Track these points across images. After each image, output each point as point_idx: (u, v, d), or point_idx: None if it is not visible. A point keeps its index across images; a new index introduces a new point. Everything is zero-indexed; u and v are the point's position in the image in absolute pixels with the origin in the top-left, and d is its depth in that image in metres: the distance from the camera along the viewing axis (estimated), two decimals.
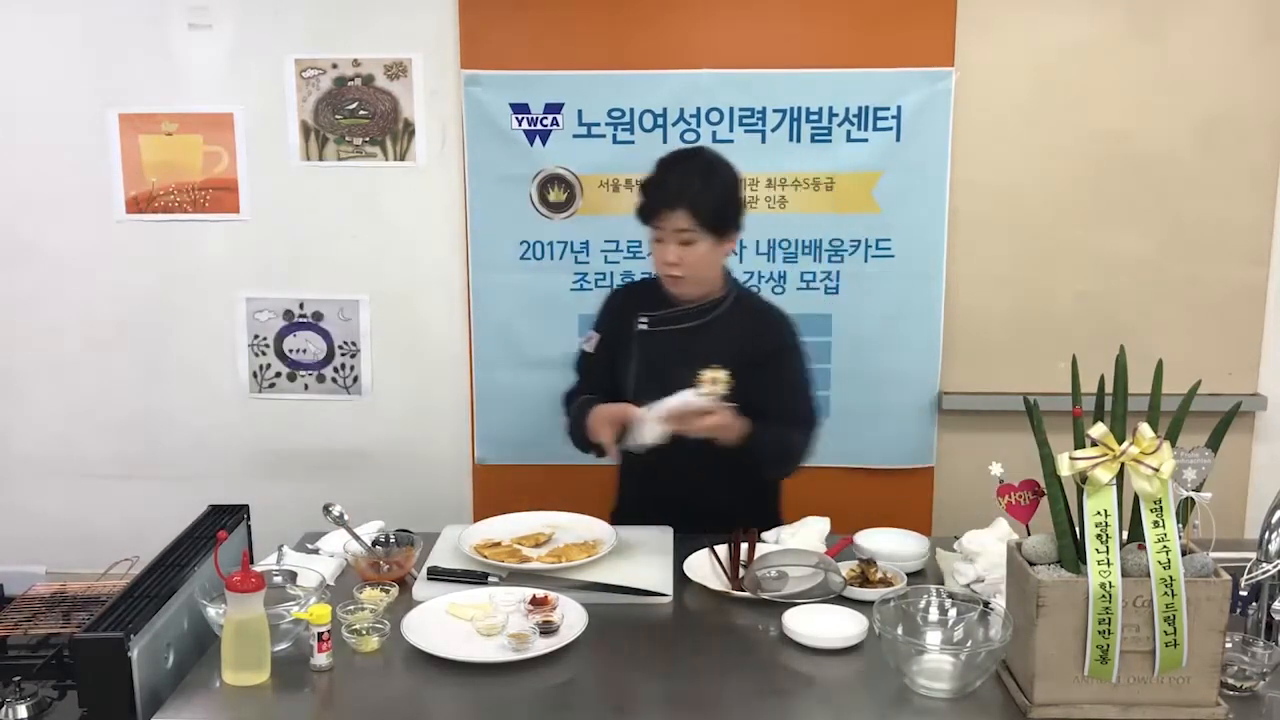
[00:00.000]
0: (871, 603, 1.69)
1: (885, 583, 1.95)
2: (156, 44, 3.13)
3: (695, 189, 2.19)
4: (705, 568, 2.05)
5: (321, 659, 1.67)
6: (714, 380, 2.15)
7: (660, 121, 3.08)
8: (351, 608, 1.81)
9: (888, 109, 3.05)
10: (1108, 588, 1.48)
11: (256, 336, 3.29)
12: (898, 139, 3.06)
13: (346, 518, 2.09)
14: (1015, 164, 3.10)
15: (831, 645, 1.74)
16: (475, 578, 1.98)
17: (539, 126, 3.10)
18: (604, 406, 2.21)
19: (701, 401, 2.09)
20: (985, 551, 1.94)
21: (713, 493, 2.25)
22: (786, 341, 2.36)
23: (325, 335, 3.28)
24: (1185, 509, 1.56)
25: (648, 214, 2.23)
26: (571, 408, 2.35)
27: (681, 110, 3.07)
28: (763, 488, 2.42)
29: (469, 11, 3.07)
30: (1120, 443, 1.52)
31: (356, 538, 2.05)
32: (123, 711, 1.56)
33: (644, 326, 2.31)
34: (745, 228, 2.30)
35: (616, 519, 2.33)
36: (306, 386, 3.31)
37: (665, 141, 3.08)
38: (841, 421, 3.23)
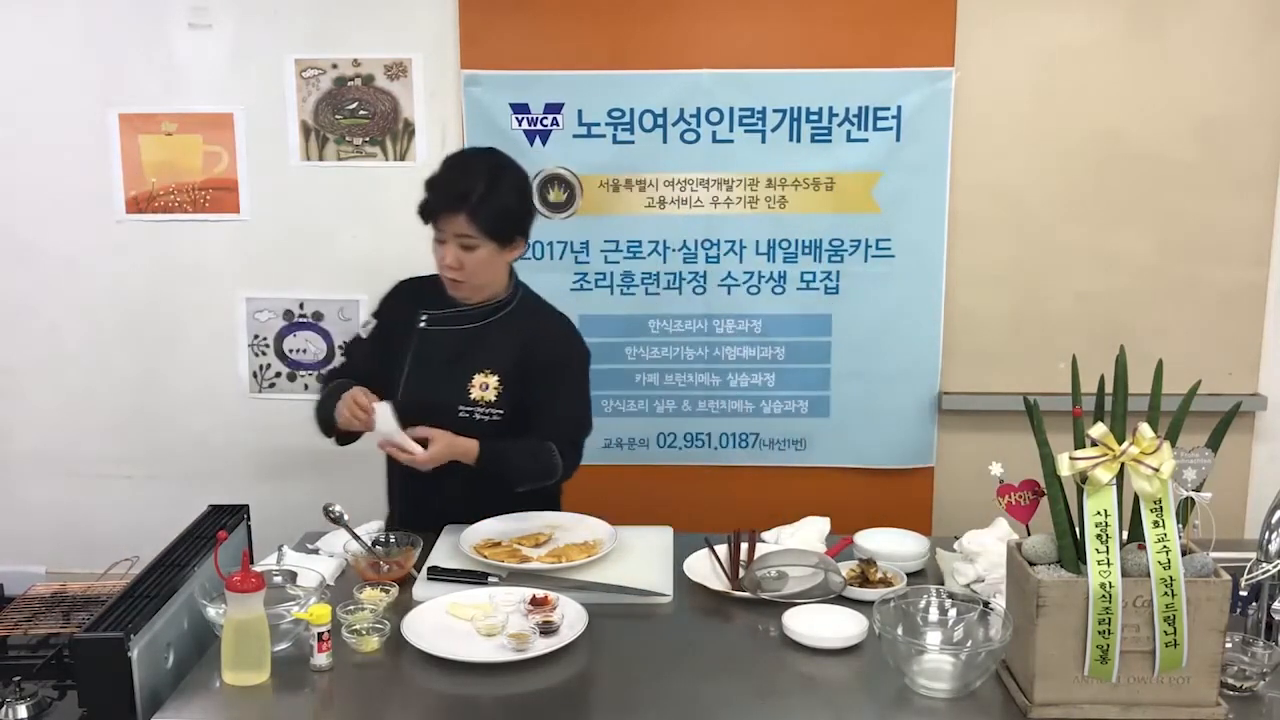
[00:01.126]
0: (871, 603, 1.69)
1: (885, 583, 1.95)
2: (156, 44, 3.13)
3: (478, 194, 2.12)
4: (705, 568, 2.05)
5: (321, 659, 1.67)
6: (484, 385, 2.20)
7: (660, 121, 3.09)
8: (351, 608, 1.81)
9: (888, 109, 3.05)
10: (1108, 588, 1.48)
11: (256, 336, 3.29)
12: (898, 139, 3.06)
13: (346, 518, 2.09)
14: (1015, 164, 3.10)
15: (831, 645, 1.74)
16: (475, 578, 1.98)
17: (539, 126, 3.10)
18: (357, 390, 2.13)
19: (402, 443, 2.08)
20: (985, 551, 1.94)
21: (485, 498, 2.22)
22: (564, 353, 2.32)
23: (325, 335, 3.28)
24: (1185, 509, 1.56)
25: (428, 214, 2.17)
26: (326, 388, 2.27)
27: (681, 110, 3.08)
28: (537, 491, 2.32)
29: (469, 11, 3.07)
30: (1120, 443, 1.52)
31: (356, 538, 2.05)
32: (123, 711, 1.56)
33: (424, 324, 2.27)
34: (532, 234, 2.26)
35: (393, 523, 2.32)
36: (306, 386, 3.30)
37: (665, 142, 3.09)
38: (841, 421, 3.24)
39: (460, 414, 2.22)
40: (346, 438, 2.24)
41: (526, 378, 2.24)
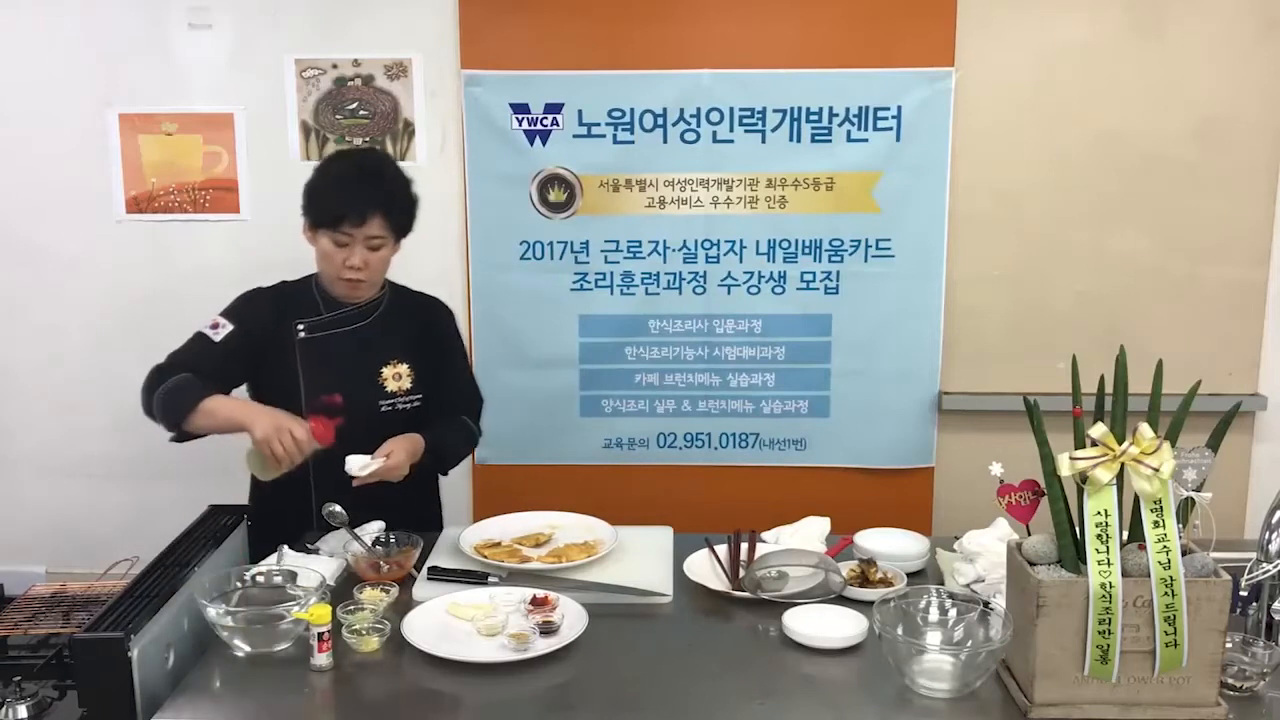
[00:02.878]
0: (871, 603, 1.69)
1: (885, 583, 1.95)
2: (156, 44, 3.13)
3: (391, 194, 2.16)
4: (705, 568, 2.05)
5: (321, 659, 1.67)
6: (396, 375, 2.24)
7: (660, 121, 3.09)
8: (351, 608, 1.80)
9: (888, 109, 3.05)
10: (1108, 588, 1.48)
11: None
12: (898, 139, 3.06)
13: (346, 518, 2.09)
14: (1015, 164, 3.10)
15: (831, 645, 1.74)
16: (475, 578, 1.98)
17: (539, 126, 3.10)
18: (295, 425, 2.02)
19: (381, 472, 2.08)
20: (985, 551, 1.94)
21: (376, 503, 2.15)
22: (451, 328, 2.40)
23: None
24: (1185, 509, 1.56)
25: (337, 219, 2.13)
26: (168, 381, 2.12)
27: (681, 110, 3.08)
28: (426, 479, 2.40)
29: (469, 11, 3.07)
30: (1120, 443, 1.52)
31: (357, 538, 2.05)
32: (123, 711, 1.56)
33: (303, 333, 2.22)
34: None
35: (257, 524, 2.21)
36: None
37: (665, 142, 3.09)
38: (841, 421, 3.24)
39: (383, 409, 2.25)
40: (189, 437, 2.16)
41: (430, 358, 2.31)
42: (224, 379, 2.20)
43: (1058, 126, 3.07)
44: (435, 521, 2.45)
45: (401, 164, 3.10)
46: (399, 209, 2.18)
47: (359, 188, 2.16)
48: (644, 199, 3.14)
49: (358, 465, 2.07)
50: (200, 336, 2.23)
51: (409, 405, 2.28)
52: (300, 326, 2.23)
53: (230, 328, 2.21)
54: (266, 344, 2.22)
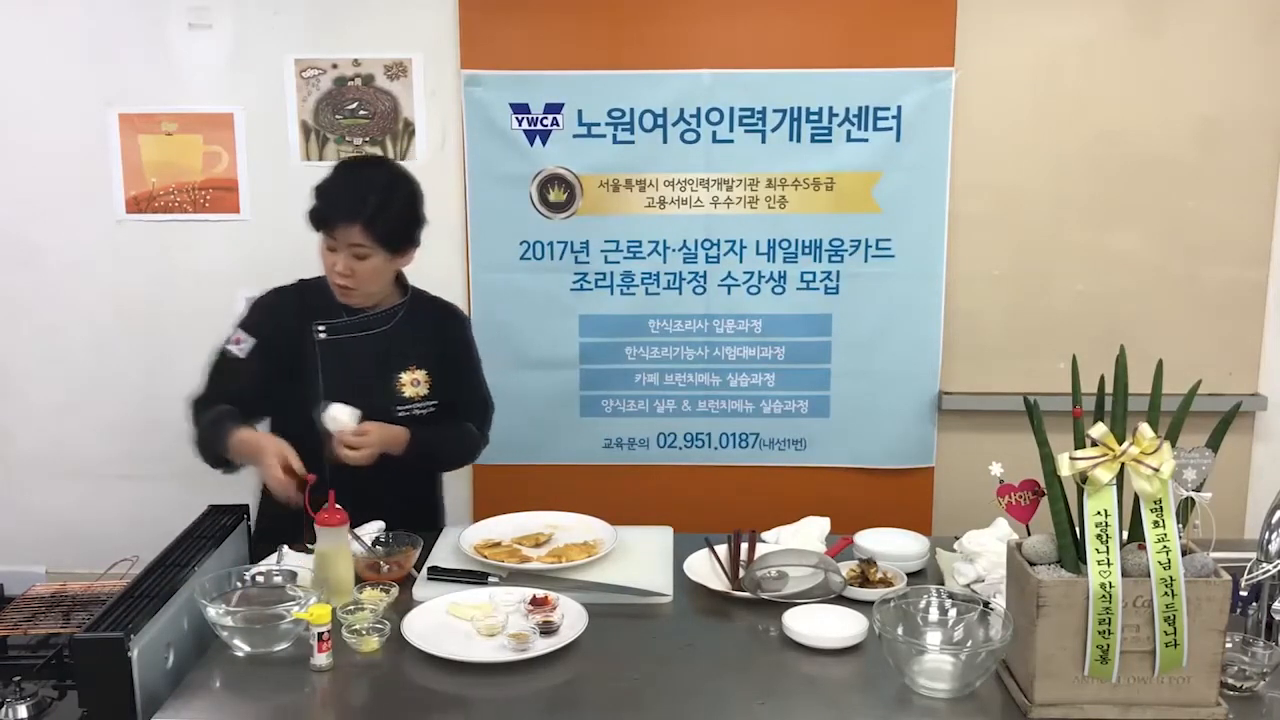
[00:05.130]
0: (871, 603, 1.69)
1: (885, 583, 1.95)
2: (156, 44, 3.13)
3: (373, 205, 2.13)
4: (705, 568, 2.05)
5: (321, 659, 1.67)
6: (415, 381, 2.27)
7: (660, 121, 3.09)
8: (351, 608, 1.81)
9: (888, 109, 3.05)
10: (1108, 588, 1.48)
11: None
12: (898, 139, 3.06)
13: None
14: (1015, 164, 3.10)
15: (831, 645, 1.74)
16: (475, 578, 1.98)
17: (539, 126, 3.10)
18: (267, 439, 2.08)
19: (352, 440, 2.09)
20: (985, 551, 1.94)
21: (373, 494, 2.15)
22: (468, 338, 2.44)
23: None
24: (1185, 509, 1.56)
25: (321, 222, 2.17)
26: (205, 417, 2.17)
27: (681, 110, 3.08)
28: (426, 483, 2.47)
29: (469, 11, 3.07)
30: (1120, 443, 1.52)
31: (357, 538, 2.05)
32: (123, 711, 1.56)
33: (323, 335, 2.25)
34: (422, 242, 2.26)
35: (262, 527, 2.25)
36: None
37: (665, 142, 3.09)
38: (841, 421, 3.24)
39: (399, 414, 2.26)
40: (235, 468, 2.18)
41: (446, 366, 2.34)
42: (257, 394, 2.24)
43: (1058, 126, 3.07)
44: (436, 522, 2.45)
45: (402, 163, 3.14)
46: (383, 222, 2.15)
47: (344, 195, 2.16)
48: (644, 199, 3.14)
49: (346, 414, 2.09)
50: (226, 357, 2.26)
51: (424, 411, 2.29)
52: (320, 328, 2.25)
53: (252, 342, 2.25)
54: (281, 346, 2.25)
